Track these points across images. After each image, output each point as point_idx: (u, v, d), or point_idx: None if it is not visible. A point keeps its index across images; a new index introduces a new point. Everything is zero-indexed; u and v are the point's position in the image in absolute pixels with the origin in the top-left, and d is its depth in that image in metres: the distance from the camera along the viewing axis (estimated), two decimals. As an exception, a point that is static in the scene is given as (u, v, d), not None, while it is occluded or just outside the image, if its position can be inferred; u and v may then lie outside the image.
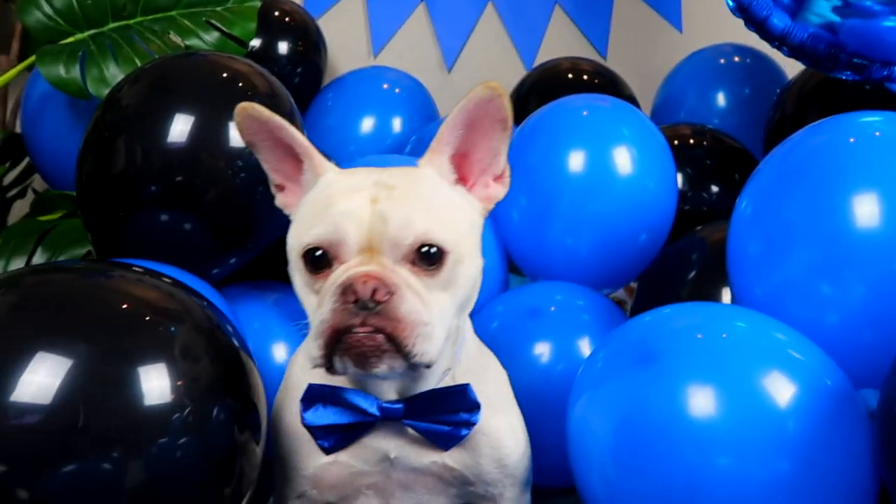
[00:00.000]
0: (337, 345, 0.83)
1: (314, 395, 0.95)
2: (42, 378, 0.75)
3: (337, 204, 0.87)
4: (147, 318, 0.83)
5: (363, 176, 0.92)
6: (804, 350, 1.02)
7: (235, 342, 0.92)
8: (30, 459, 0.73)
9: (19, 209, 2.07)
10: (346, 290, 0.82)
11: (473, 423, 0.96)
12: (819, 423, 0.95)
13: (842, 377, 1.01)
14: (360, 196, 0.87)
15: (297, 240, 0.90)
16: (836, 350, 1.06)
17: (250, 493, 0.94)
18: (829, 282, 1.10)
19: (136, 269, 0.91)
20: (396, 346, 0.83)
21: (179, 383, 0.80)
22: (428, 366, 0.86)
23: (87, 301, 0.83)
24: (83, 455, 0.75)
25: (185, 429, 0.80)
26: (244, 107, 0.92)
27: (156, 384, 0.79)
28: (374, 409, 0.94)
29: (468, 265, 0.90)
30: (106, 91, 1.46)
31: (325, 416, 0.95)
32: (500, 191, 0.98)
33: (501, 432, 1.01)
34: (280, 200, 0.98)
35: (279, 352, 1.52)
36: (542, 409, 1.22)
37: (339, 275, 0.84)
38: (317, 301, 0.86)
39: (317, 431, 0.95)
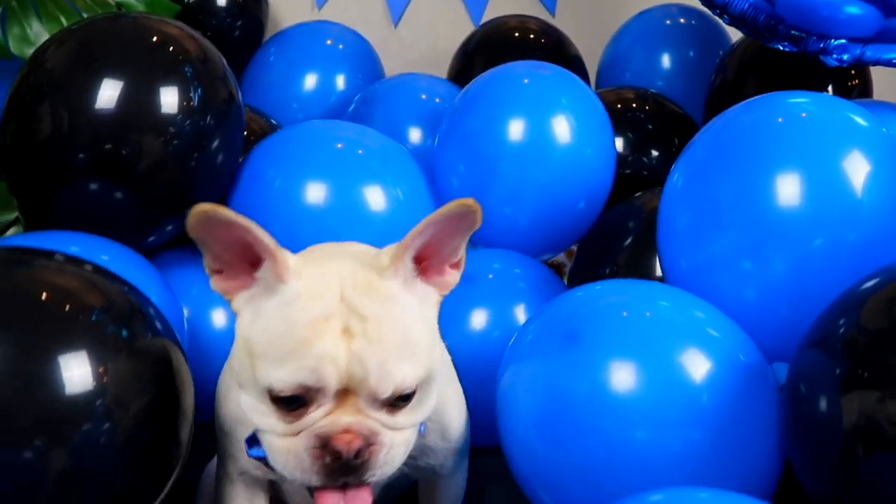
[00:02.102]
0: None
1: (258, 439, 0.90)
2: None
3: (312, 343, 0.80)
4: (67, 308, 0.83)
5: (332, 291, 0.83)
6: (721, 327, 1.06)
7: (158, 325, 0.92)
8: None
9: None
10: (326, 445, 0.80)
11: (422, 433, 0.95)
12: (731, 397, 0.99)
13: (755, 353, 1.06)
14: (333, 327, 0.80)
15: (262, 373, 0.81)
16: (754, 325, 1.11)
17: (174, 477, 0.94)
18: (750, 258, 1.14)
19: (58, 256, 0.89)
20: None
21: (101, 370, 0.80)
22: None
23: (7, 292, 0.82)
24: (4, 446, 0.75)
25: (108, 415, 0.80)
26: (202, 208, 0.81)
27: (76, 372, 0.78)
28: None
29: (435, 379, 0.88)
30: (29, 50, 1.41)
31: None
32: (455, 277, 0.94)
33: (447, 406, 1.02)
34: (217, 285, 0.87)
35: (218, 317, 1.52)
36: (478, 374, 1.25)
37: (316, 420, 0.81)
38: (285, 442, 0.82)
39: (263, 461, 0.90)
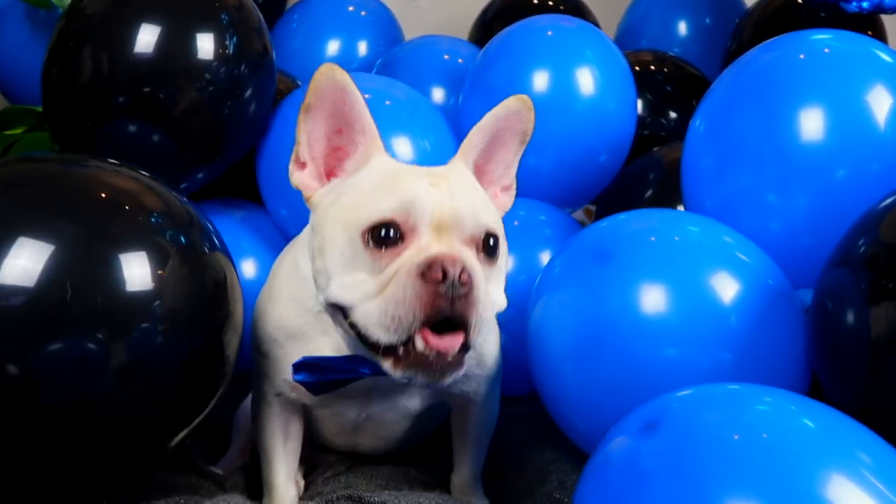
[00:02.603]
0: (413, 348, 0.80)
1: (308, 365, 0.93)
2: (24, 262, 0.77)
3: (405, 182, 0.85)
4: (127, 207, 0.85)
5: (413, 166, 0.90)
6: (749, 252, 1.08)
7: (215, 239, 0.95)
8: (16, 338, 0.76)
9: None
10: (434, 266, 0.78)
11: (460, 374, 0.93)
12: (758, 318, 1.02)
13: (781, 277, 1.08)
14: (421, 179, 0.86)
15: (359, 214, 0.84)
16: (779, 254, 1.13)
17: (225, 385, 0.97)
18: (774, 192, 1.17)
19: (112, 161, 0.93)
20: (464, 343, 0.81)
21: (160, 272, 0.83)
22: None
23: (68, 188, 0.84)
24: (68, 335, 0.78)
25: (165, 316, 0.84)
26: (331, 67, 0.87)
27: (137, 271, 0.81)
28: (367, 372, 0.93)
29: (506, 256, 0.92)
30: (67, 1, 1.44)
31: (314, 376, 0.93)
32: (507, 201, 1.00)
33: (483, 337, 1.04)
34: (297, 179, 0.92)
35: (248, 268, 1.56)
36: (506, 320, 1.27)
37: (414, 252, 0.81)
38: (377, 281, 0.82)
39: (306, 385, 0.94)
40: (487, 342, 1.06)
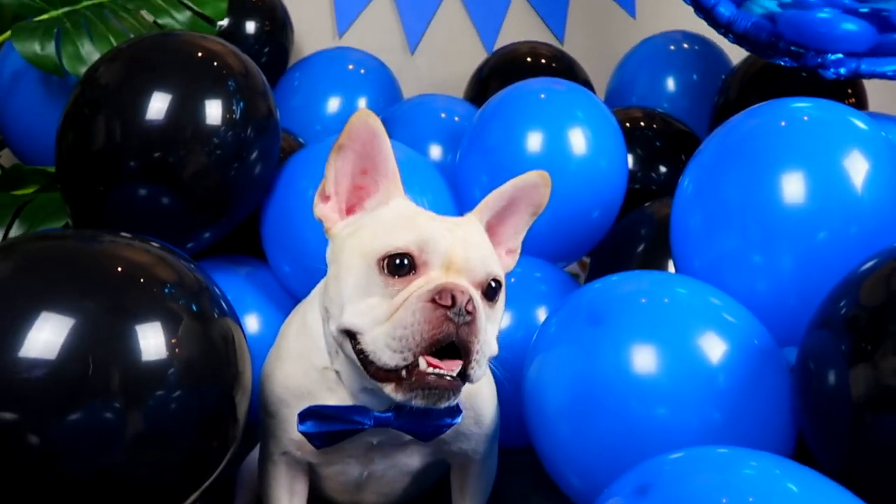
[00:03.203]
0: (412, 376, 0.85)
1: (313, 414, 0.98)
2: (47, 335, 0.82)
3: (423, 222, 0.93)
4: (142, 280, 0.90)
5: (430, 212, 0.98)
6: (735, 313, 1.13)
7: (223, 304, 0.99)
8: (39, 410, 0.80)
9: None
10: (444, 293, 0.85)
11: (454, 423, 1.02)
12: (746, 378, 1.06)
13: (767, 337, 1.12)
14: (438, 223, 0.94)
15: (376, 243, 0.91)
16: (765, 314, 1.18)
17: (235, 446, 1.01)
18: (759, 253, 1.22)
19: (125, 235, 0.97)
20: (463, 372, 0.86)
21: (174, 341, 0.87)
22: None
23: (85, 264, 0.89)
24: (88, 405, 0.82)
25: (179, 383, 0.87)
26: (367, 113, 0.95)
27: (152, 341, 0.86)
28: (369, 422, 0.98)
29: (503, 306, 0.99)
30: (82, 68, 1.50)
31: (319, 426, 0.99)
32: (510, 263, 1.08)
33: (481, 395, 1.09)
34: (320, 210, 0.99)
35: (252, 323, 1.60)
36: (503, 375, 1.32)
37: (424, 282, 0.88)
38: (388, 305, 0.88)
39: (310, 437, 0.99)
40: (484, 401, 1.10)
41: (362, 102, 2.22)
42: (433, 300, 0.85)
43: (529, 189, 1.04)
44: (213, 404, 0.93)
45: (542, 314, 1.47)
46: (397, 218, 0.95)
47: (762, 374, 1.07)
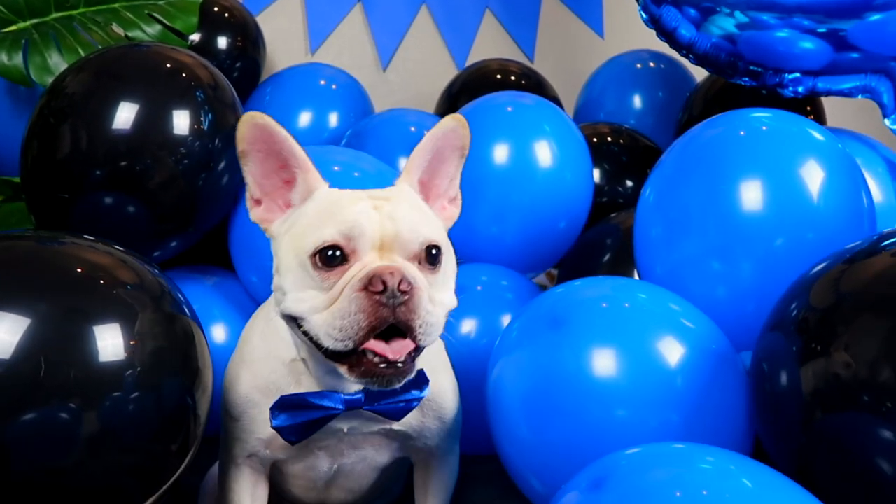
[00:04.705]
0: (362, 357, 0.88)
1: (285, 405, 0.99)
2: (2, 335, 0.81)
3: (346, 208, 0.94)
4: (102, 281, 0.90)
5: (356, 191, 0.99)
6: (694, 318, 1.14)
7: (185, 309, 0.99)
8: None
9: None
10: (374, 280, 0.87)
11: (422, 397, 1.04)
12: (703, 381, 1.07)
13: (725, 342, 1.14)
14: (363, 203, 0.95)
15: (306, 240, 0.92)
16: (724, 318, 1.20)
17: (194, 450, 1.01)
18: (718, 259, 1.24)
19: (88, 237, 0.98)
20: (412, 346, 0.88)
21: (133, 342, 0.87)
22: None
23: (45, 265, 0.89)
24: (42, 405, 0.81)
25: (137, 385, 0.87)
26: (252, 114, 0.97)
27: (110, 342, 0.86)
28: (339, 406, 1.00)
29: (452, 262, 1.01)
30: (49, 79, 1.50)
31: (292, 417, 0.99)
32: (455, 212, 1.09)
33: (443, 391, 1.11)
34: (256, 215, 1.01)
35: (219, 332, 1.60)
36: (468, 381, 1.32)
37: (357, 270, 0.89)
38: (326, 296, 0.90)
39: (283, 430, 1.00)
40: (446, 397, 1.12)
41: (334, 117, 2.24)
42: (366, 288, 0.87)
43: (450, 134, 1.04)
44: (172, 404, 0.93)
45: (507, 322, 1.47)
46: (321, 210, 0.96)
47: (719, 377, 1.09)
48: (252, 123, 0.97)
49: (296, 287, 0.93)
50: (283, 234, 0.98)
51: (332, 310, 0.89)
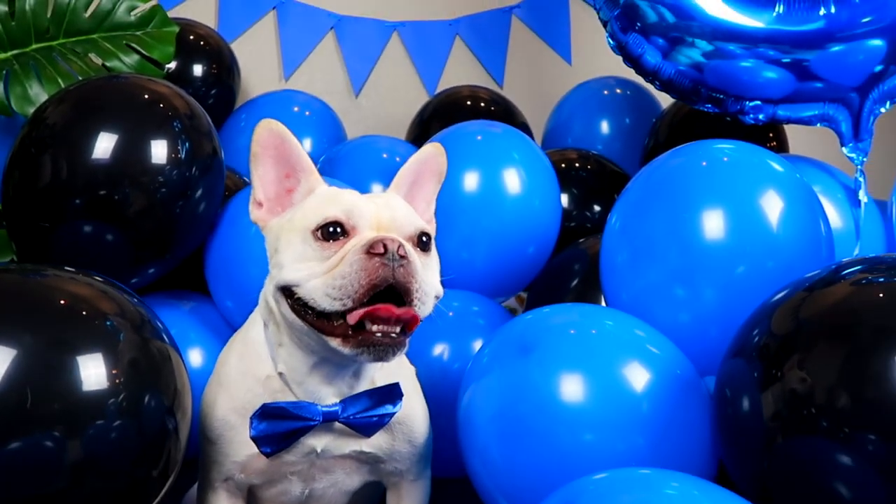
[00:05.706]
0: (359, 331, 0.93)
1: (266, 414, 1.02)
2: (-12, 366, 0.83)
3: (347, 195, 1.02)
4: (84, 313, 0.92)
5: (353, 192, 1.07)
6: (659, 344, 1.18)
7: (165, 337, 1.02)
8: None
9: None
10: (376, 243, 0.92)
11: (395, 413, 1.08)
12: (668, 406, 1.11)
13: (689, 367, 1.18)
14: (359, 196, 1.03)
15: (308, 219, 0.99)
16: (688, 344, 1.24)
17: (175, 474, 1.03)
18: (683, 286, 1.28)
19: (69, 269, 1.00)
20: (406, 317, 0.93)
21: (115, 371, 0.89)
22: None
23: (30, 297, 0.91)
24: (28, 435, 0.83)
25: (120, 413, 0.90)
26: (268, 121, 1.06)
27: (93, 372, 0.88)
28: (318, 417, 1.03)
29: (437, 258, 1.07)
30: (30, 109, 1.51)
31: (270, 427, 1.03)
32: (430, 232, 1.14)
33: (413, 414, 1.14)
34: (255, 215, 1.08)
35: (195, 357, 1.61)
36: (440, 405, 1.35)
37: (357, 241, 0.95)
38: (325, 265, 0.95)
39: (261, 440, 1.03)
40: (417, 420, 1.16)
41: (307, 143, 2.26)
42: (368, 251, 0.92)
43: (430, 161, 1.13)
44: (153, 430, 0.95)
45: (478, 347, 1.50)
46: (324, 197, 1.02)
47: (684, 402, 1.12)
48: (269, 129, 1.05)
49: (295, 259, 0.98)
50: (283, 224, 1.03)
51: (332, 272, 0.93)
